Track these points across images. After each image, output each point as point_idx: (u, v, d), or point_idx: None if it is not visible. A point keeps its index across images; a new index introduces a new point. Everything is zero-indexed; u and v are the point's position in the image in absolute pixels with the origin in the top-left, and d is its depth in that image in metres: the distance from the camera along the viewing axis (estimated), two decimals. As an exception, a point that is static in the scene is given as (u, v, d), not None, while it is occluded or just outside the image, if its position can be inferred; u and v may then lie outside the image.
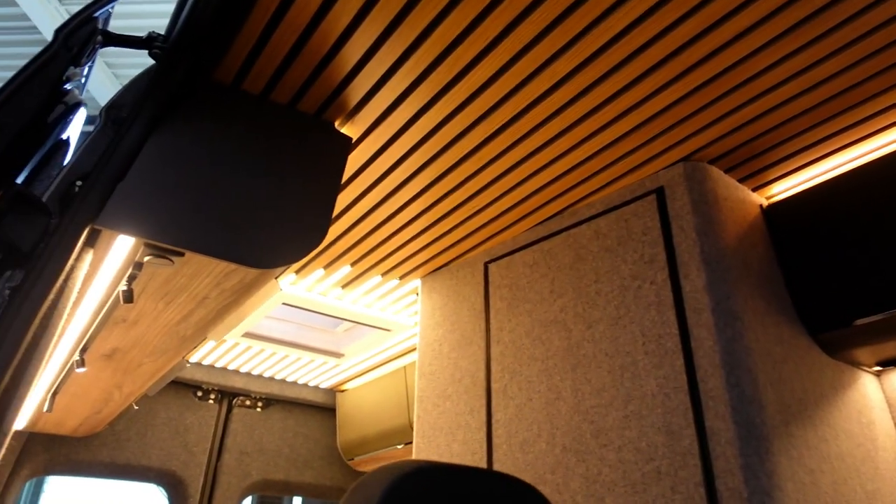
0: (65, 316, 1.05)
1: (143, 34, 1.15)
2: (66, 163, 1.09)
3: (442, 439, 1.81)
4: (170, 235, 1.04)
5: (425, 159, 1.51)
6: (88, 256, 1.07)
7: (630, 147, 1.46)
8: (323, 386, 3.37)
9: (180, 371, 1.81)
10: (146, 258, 1.08)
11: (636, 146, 1.46)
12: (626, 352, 1.43)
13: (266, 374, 3.21)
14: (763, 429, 1.23)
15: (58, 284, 0.98)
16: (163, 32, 1.18)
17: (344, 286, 2.19)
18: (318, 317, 2.74)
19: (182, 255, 1.09)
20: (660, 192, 1.50)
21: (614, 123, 1.39)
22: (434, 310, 2.03)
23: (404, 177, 1.57)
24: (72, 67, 1.03)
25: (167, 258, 1.09)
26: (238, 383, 3.15)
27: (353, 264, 2.03)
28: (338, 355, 2.85)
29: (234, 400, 3.24)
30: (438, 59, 1.22)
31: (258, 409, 3.30)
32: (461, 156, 1.49)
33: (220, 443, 3.14)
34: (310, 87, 1.27)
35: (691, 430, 1.26)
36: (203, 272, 1.19)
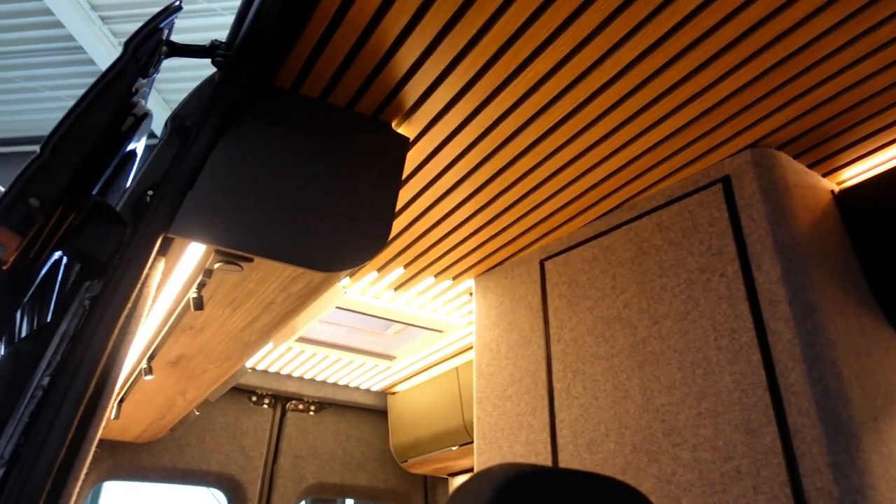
0: (141, 325, 1.06)
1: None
2: (134, 173, 1.10)
3: (504, 440, 1.79)
4: (240, 241, 1.04)
5: (482, 157, 1.49)
6: (161, 265, 1.09)
7: (694, 136, 1.41)
8: (374, 389, 3.38)
9: (242, 376, 1.83)
10: (216, 265, 1.09)
11: (700, 134, 1.41)
12: (697, 347, 1.39)
13: (318, 378, 3.24)
14: (850, 425, 1.17)
15: (134, 294, 1.00)
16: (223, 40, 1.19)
17: (397, 288, 2.19)
18: (369, 320, 2.75)
19: (251, 260, 1.10)
20: (726, 181, 1.45)
21: (678, 112, 1.35)
22: (489, 309, 2.01)
23: (460, 175, 1.56)
24: (140, 79, 1.04)
25: (236, 264, 1.09)
26: (291, 388, 3.19)
27: (406, 266, 2.02)
28: (389, 358, 2.86)
29: (288, 404, 3.27)
30: (496, 55, 1.20)
31: (311, 413, 3.33)
32: (518, 151, 1.47)
33: (276, 447, 3.17)
34: (367, 89, 1.27)
35: (773, 427, 1.21)
36: (270, 277, 1.19)
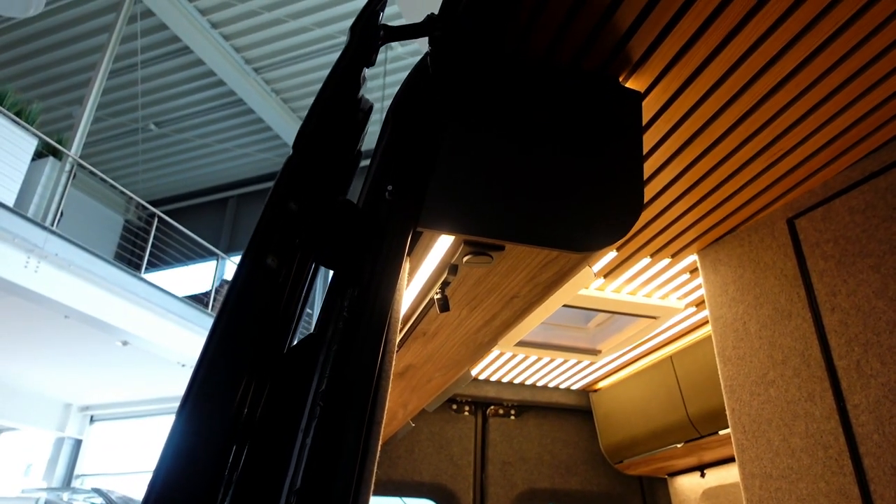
0: (396, 332, 0.98)
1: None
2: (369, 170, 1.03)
3: (773, 433, 1.53)
4: (492, 228, 0.93)
5: (722, 103, 1.27)
6: (406, 266, 1.01)
7: None
8: (574, 387, 3.20)
9: (465, 383, 1.75)
10: (465, 258, 0.99)
11: None
12: None
13: (516, 381, 3.13)
14: None
15: (394, 298, 0.92)
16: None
17: (606, 275, 2.00)
18: (568, 313, 2.59)
19: (502, 248, 0.98)
20: None
21: None
22: (725, 285, 1.76)
23: (692, 131, 1.35)
24: (364, 69, 0.97)
25: (487, 254, 0.98)
26: (490, 392, 3.11)
27: (618, 248, 1.83)
28: (594, 353, 2.67)
29: (488, 410, 3.19)
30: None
31: (512, 417, 3.22)
32: (768, 89, 1.23)
33: (482, 454, 3.10)
34: (594, 43, 1.11)
35: None
36: (519, 267, 1.07)
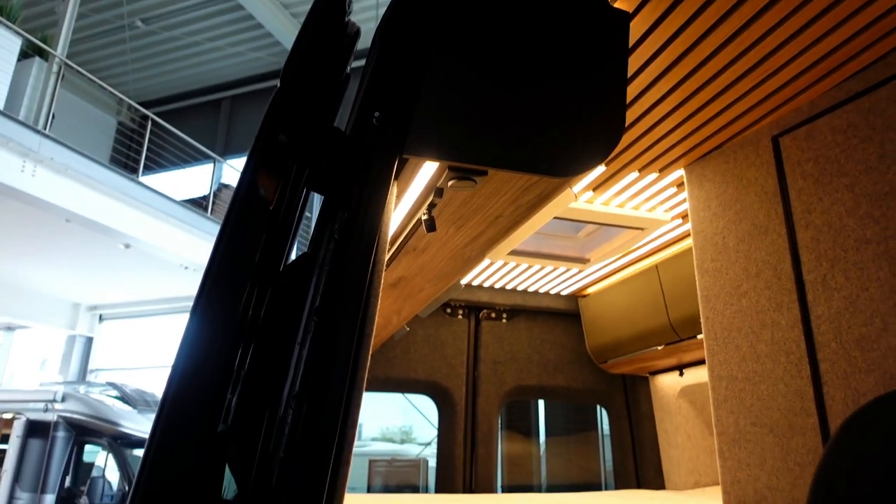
0: (385, 252, 1.05)
1: None
2: (356, 96, 1.06)
3: (742, 340, 1.64)
4: (475, 155, 0.97)
5: (708, 26, 1.27)
6: (394, 189, 1.05)
7: None
8: (564, 293, 3.33)
9: (455, 292, 1.84)
10: (450, 182, 1.03)
11: None
12: None
13: (508, 287, 3.25)
14: None
15: (381, 221, 0.98)
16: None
17: (596, 188, 2.05)
18: (559, 224, 2.65)
19: (485, 174, 1.03)
20: None
21: None
22: (709, 200, 1.81)
23: (681, 50, 1.35)
24: (350, -7, 0.97)
25: (470, 179, 1.03)
26: (483, 298, 3.24)
27: (607, 163, 1.87)
28: (583, 261, 2.76)
29: (481, 313, 3.34)
30: None
31: (504, 321, 3.37)
32: (758, 8, 1.23)
33: (475, 354, 3.28)
34: (581, -39, 1.10)
35: None
36: (502, 189, 1.12)
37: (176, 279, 8.69)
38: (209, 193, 8.91)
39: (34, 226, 7.03)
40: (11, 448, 6.06)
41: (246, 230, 0.89)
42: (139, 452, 6.40)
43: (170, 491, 0.84)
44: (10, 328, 11.09)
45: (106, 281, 9.29)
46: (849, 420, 0.54)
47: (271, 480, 0.87)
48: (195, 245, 7.83)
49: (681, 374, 3.08)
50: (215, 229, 8.10)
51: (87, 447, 6.49)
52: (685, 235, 2.47)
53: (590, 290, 3.26)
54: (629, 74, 1.42)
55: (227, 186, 9.48)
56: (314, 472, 0.82)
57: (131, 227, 7.11)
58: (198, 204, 8.59)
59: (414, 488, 3.50)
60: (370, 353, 0.98)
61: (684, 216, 2.27)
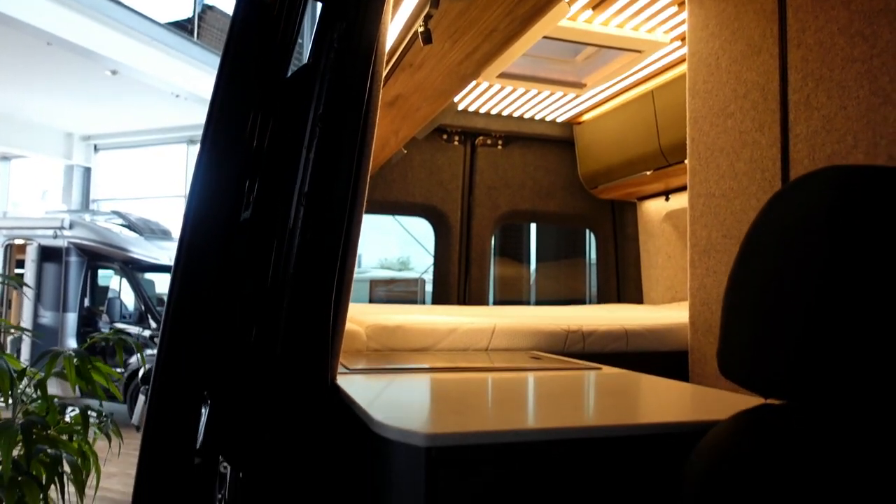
0: (383, 63, 1.09)
1: None
2: None
3: (723, 159, 1.73)
4: (471, -38, 0.97)
5: None
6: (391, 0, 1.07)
7: None
8: (560, 120, 3.35)
9: (451, 114, 1.88)
10: (446, -8, 1.05)
11: None
12: None
13: (504, 114, 3.26)
14: None
15: (378, 29, 1.00)
16: None
17: (595, 6, 2.01)
18: (557, 46, 2.61)
19: (481, -17, 1.04)
20: None
21: None
22: (707, 19, 1.79)
23: None
24: None
25: (466, -11, 1.04)
26: (479, 124, 3.26)
27: (608, -22, 1.82)
28: (579, 86, 2.76)
29: (476, 139, 3.38)
30: None
31: (499, 147, 3.43)
32: None
33: (470, 179, 3.38)
34: None
35: None
36: (497, 1, 1.13)
37: (169, 108, 8.54)
38: (193, 15, 8.46)
39: (14, 49, 6.77)
40: (28, 271, 6.38)
41: (249, 37, 0.93)
42: (150, 276, 6.76)
43: (196, 300, 0.97)
44: (6, 158, 11.09)
45: (98, 110, 9.13)
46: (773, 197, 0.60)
47: (283, 299, 0.99)
48: (185, 71, 7.60)
49: (667, 198, 3.21)
50: (203, 56, 7.80)
51: (101, 272, 6.84)
52: (682, 60, 2.46)
53: (585, 117, 3.28)
54: None
55: (211, 8, 8.96)
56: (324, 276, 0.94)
57: (115, 52, 6.85)
58: (183, 27, 8.19)
59: (412, 302, 3.79)
60: (370, 163, 1.06)
61: (683, 38, 2.24)
